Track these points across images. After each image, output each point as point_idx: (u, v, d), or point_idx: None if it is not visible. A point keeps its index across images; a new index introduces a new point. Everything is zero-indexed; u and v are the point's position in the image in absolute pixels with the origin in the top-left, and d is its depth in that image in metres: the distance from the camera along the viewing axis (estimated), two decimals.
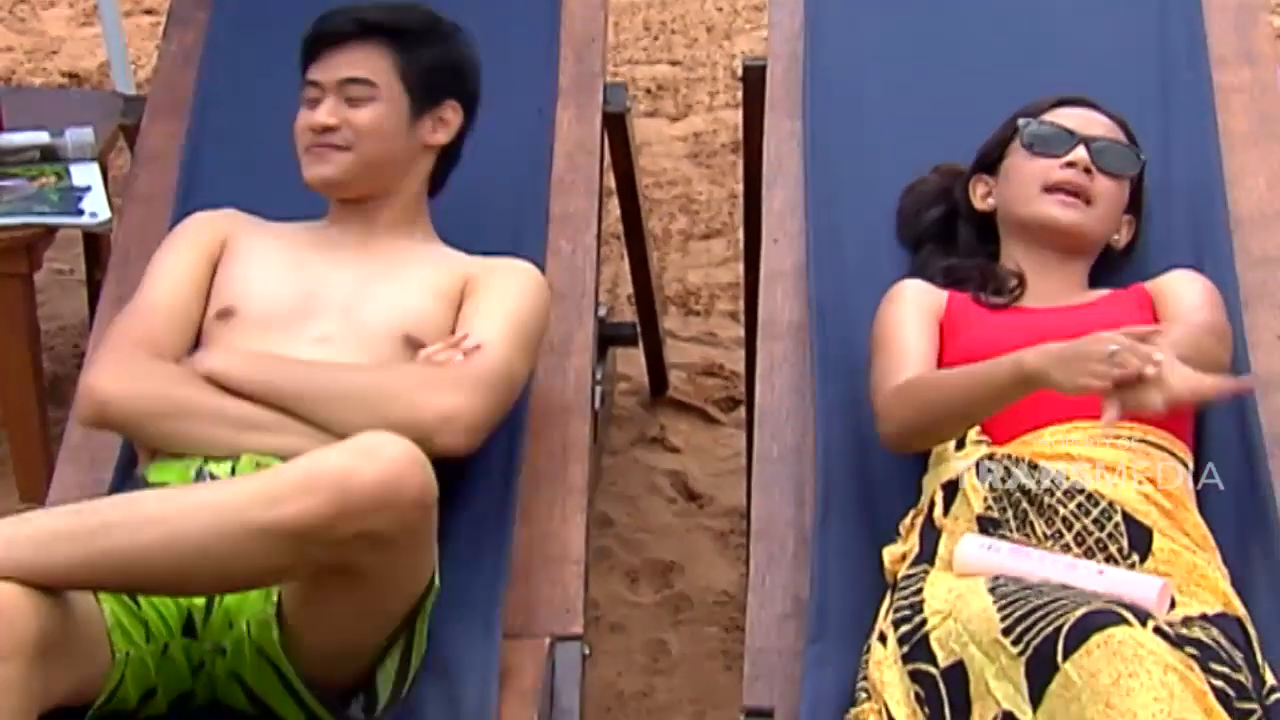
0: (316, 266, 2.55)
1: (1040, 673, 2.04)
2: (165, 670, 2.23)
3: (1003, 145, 2.66)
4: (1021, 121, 2.63)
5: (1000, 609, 2.11)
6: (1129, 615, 2.04)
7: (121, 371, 2.40)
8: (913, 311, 2.54)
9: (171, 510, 2.07)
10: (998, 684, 2.08)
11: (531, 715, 2.31)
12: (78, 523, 2.07)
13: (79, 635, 2.10)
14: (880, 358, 2.51)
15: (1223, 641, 2.15)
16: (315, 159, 2.57)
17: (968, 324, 2.54)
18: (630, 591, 3.37)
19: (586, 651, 2.45)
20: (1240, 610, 2.28)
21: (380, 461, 2.05)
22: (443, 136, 2.63)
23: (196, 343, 2.52)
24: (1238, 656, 2.15)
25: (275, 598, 2.21)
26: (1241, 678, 2.11)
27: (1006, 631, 2.08)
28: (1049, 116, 2.63)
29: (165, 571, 2.06)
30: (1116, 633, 2.02)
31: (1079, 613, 2.04)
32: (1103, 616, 2.03)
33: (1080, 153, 2.57)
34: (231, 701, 2.28)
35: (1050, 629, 2.04)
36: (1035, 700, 2.04)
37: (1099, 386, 2.16)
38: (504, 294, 2.53)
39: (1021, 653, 2.06)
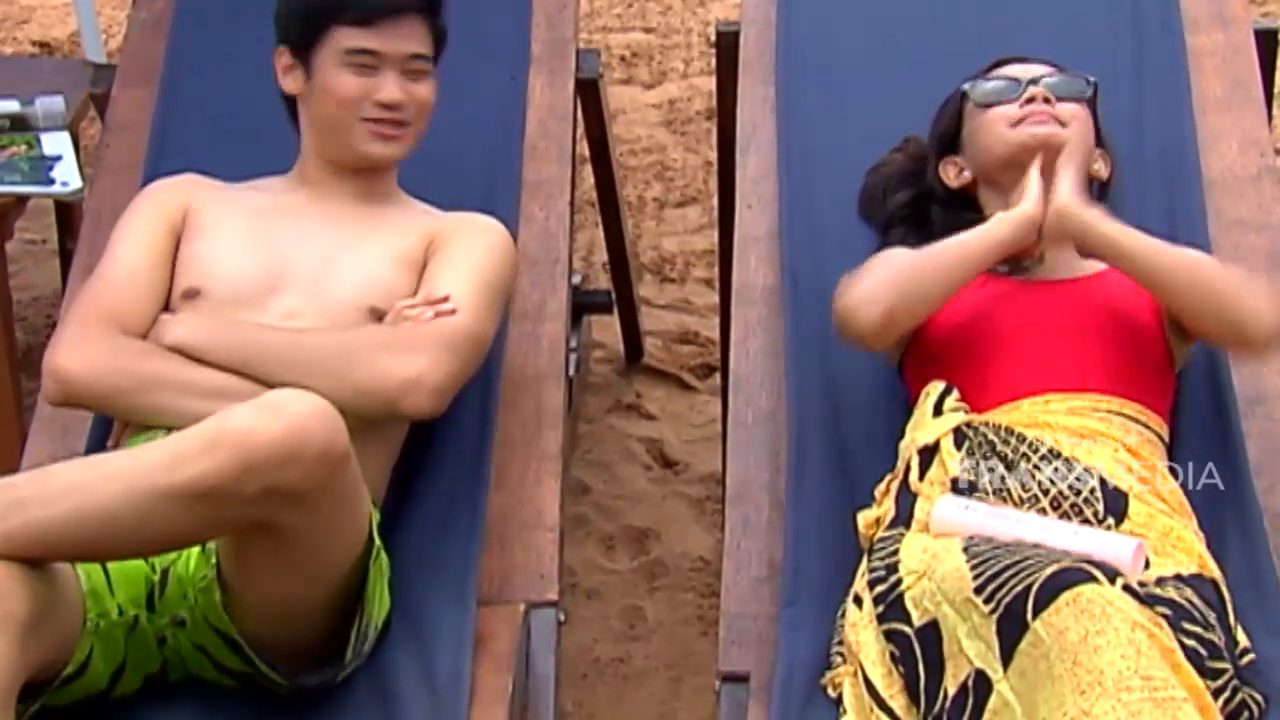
0: (282, 240, 2.52)
1: (1011, 631, 2.05)
2: (135, 645, 2.23)
3: (956, 119, 2.64)
4: (966, 85, 2.63)
5: (973, 568, 2.11)
6: (1097, 573, 2.05)
7: (85, 349, 2.38)
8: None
9: (82, 480, 2.08)
10: (970, 643, 2.09)
11: (506, 682, 2.31)
12: None
13: (61, 605, 2.11)
14: (855, 273, 2.49)
15: (1195, 601, 2.17)
16: (381, 139, 2.53)
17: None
18: (606, 558, 3.38)
19: (562, 618, 2.46)
20: (1215, 572, 2.29)
21: (284, 417, 2.04)
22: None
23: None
24: (1211, 617, 2.16)
25: (214, 559, 2.21)
26: (1214, 637, 2.13)
27: (978, 590, 2.09)
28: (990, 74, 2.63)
29: (81, 540, 2.06)
30: (1085, 590, 2.02)
31: (1048, 571, 2.05)
32: (1071, 574, 2.04)
33: (1033, 89, 2.57)
34: (204, 675, 2.28)
35: (1020, 587, 2.05)
36: (1006, 658, 2.05)
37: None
38: (470, 251, 2.51)
39: (993, 611, 2.07)
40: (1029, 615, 2.03)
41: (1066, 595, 2.02)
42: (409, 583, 2.38)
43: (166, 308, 2.49)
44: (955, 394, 2.45)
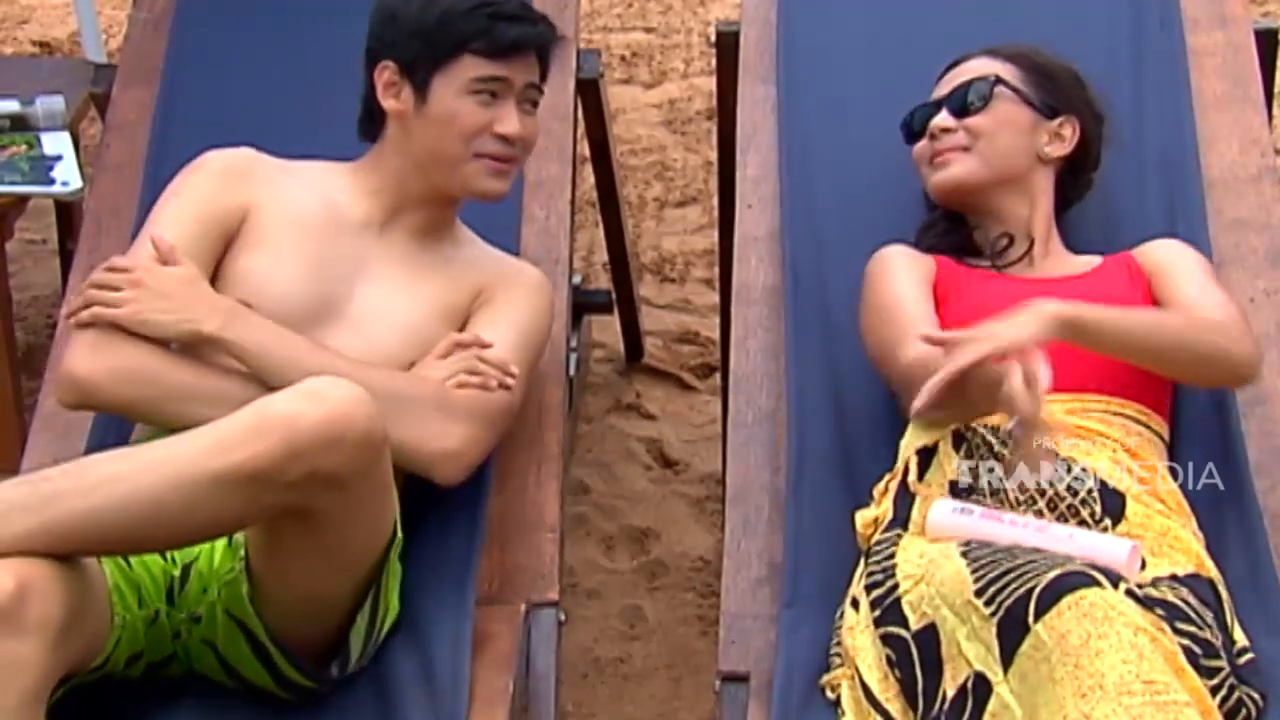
0: (340, 273, 2.46)
1: (1011, 633, 2.05)
2: (153, 637, 2.24)
3: None
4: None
5: (973, 571, 2.11)
6: (1100, 577, 2.05)
7: (107, 354, 2.33)
8: (909, 277, 2.53)
9: (124, 470, 2.07)
10: (969, 645, 2.09)
11: (506, 682, 2.31)
12: (30, 491, 2.06)
13: (92, 603, 2.11)
14: (890, 328, 2.46)
15: (1191, 600, 2.17)
16: (496, 175, 2.49)
17: (958, 289, 2.53)
18: (606, 558, 3.38)
19: (562, 618, 2.46)
20: (1212, 572, 2.29)
21: (326, 402, 2.07)
22: None
23: None
24: (1207, 615, 2.16)
25: (242, 552, 2.21)
26: (1209, 636, 2.13)
27: (979, 593, 2.09)
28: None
29: (124, 530, 2.06)
30: (1088, 594, 2.02)
31: (1051, 574, 2.05)
32: (1075, 578, 2.04)
33: (939, 119, 2.60)
34: (207, 671, 2.28)
35: (1022, 590, 2.05)
36: (1006, 661, 2.05)
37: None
38: (517, 313, 2.50)
39: (994, 614, 2.07)
40: (1030, 618, 2.03)
41: (1069, 599, 2.02)
42: (409, 582, 2.38)
43: None
44: None
